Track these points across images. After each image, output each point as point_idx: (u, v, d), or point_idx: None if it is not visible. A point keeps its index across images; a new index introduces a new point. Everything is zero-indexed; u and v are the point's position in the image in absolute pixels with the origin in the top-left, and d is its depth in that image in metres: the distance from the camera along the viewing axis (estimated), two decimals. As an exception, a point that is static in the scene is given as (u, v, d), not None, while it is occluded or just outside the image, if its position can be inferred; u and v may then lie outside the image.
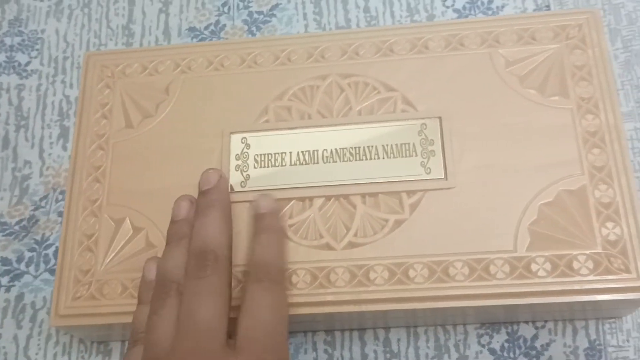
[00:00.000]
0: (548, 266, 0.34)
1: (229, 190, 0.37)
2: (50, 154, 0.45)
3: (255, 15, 0.48)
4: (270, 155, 0.38)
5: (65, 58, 0.48)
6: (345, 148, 0.38)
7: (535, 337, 0.38)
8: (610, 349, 0.37)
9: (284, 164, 0.38)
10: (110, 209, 0.38)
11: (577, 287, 0.34)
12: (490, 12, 0.46)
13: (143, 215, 0.38)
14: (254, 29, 0.47)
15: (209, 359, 0.30)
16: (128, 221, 0.38)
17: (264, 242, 0.35)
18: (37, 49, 0.48)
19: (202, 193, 0.36)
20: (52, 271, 0.42)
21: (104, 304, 0.36)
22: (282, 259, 0.35)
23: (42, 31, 0.49)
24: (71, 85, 0.47)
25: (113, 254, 0.37)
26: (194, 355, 0.30)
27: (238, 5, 0.48)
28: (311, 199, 0.37)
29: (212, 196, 0.36)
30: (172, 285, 0.33)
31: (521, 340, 0.38)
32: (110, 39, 0.48)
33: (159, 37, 0.48)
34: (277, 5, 0.48)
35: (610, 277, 0.34)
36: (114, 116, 0.40)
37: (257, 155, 0.38)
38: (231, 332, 0.32)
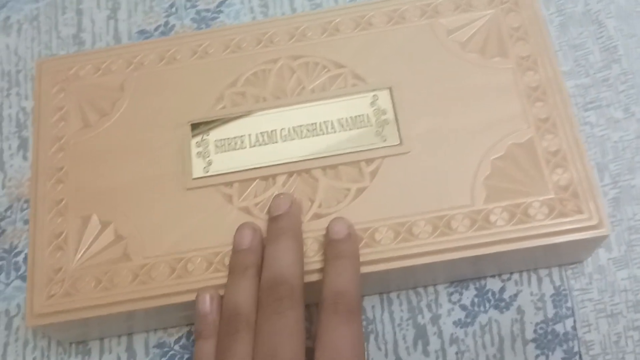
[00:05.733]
0: (506, 215, 0.36)
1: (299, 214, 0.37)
2: (11, 166, 0.45)
3: (204, 13, 0.49)
4: (230, 140, 0.39)
5: (18, 71, 0.48)
6: (302, 125, 0.39)
7: (502, 289, 0.39)
8: (575, 293, 0.39)
9: (244, 146, 0.39)
10: (76, 207, 0.38)
11: (535, 232, 0.35)
12: (429, -10, 0.47)
13: (109, 209, 0.38)
14: (203, 26, 0.48)
15: None
16: (95, 217, 0.38)
17: (339, 269, 0.34)
18: (-12, 65, 0.48)
19: (273, 219, 0.36)
20: (23, 278, 0.42)
21: (79, 299, 0.36)
22: (359, 287, 0.33)
23: (-7, 47, 0.49)
24: (26, 97, 0.47)
25: (83, 250, 0.37)
26: None
27: (185, 4, 0.49)
28: (274, 176, 0.38)
29: (283, 223, 0.35)
30: (241, 319, 0.32)
31: (490, 294, 0.39)
32: (62, 49, 0.49)
33: (109, 42, 0.48)
34: (223, 1, 0.49)
35: (565, 219, 0.36)
36: (71, 118, 0.41)
37: (217, 140, 0.39)
38: None
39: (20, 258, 0.42)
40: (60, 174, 0.39)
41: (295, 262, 0.34)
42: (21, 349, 0.40)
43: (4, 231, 0.43)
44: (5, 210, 0.44)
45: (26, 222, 0.43)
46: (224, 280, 0.36)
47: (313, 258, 0.36)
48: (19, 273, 0.42)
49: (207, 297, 0.35)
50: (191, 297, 0.36)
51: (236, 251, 0.36)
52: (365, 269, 0.35)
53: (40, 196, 0.39)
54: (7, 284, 0.42)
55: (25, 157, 0.45)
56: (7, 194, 0.44)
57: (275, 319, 0.32)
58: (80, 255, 0.37)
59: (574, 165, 0.37)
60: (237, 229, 0.36)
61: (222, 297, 0.35)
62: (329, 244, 0.35)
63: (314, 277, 0.36)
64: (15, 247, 0.42)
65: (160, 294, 0.36)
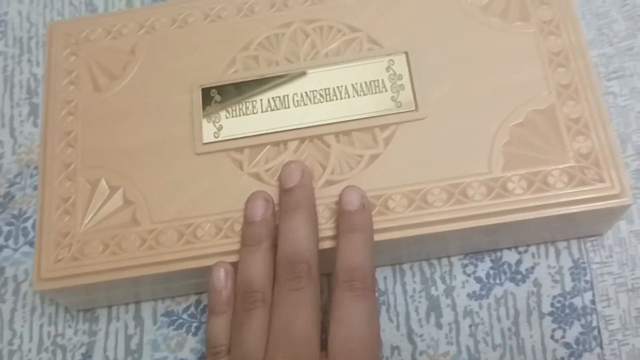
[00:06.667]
0: (524, 184, 0.35)
1: None
2: (21, 132, 0.45)
3: (217, -20, 0.48)
4: (241, 104, 0.38)
5: (30, 38, 0.47)
6: (315, 90, 0.38)
7: (519, 262, 0.38)
8: (594, 266, 0.38)
9: (255, 111, 0.38)
10: (85, 172, 0.38)
11: (554, 200, 0.34)
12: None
13: (118, 173, 0.37)
14: (216, -7, 0.47)
15: None
16: (104, 181, 0.37)
17: (355, 243, 0.33)
18: (1, 32, 0.48)
19: (286, 191, 0.34)
20: (31, 244, 0.41)
21: (87, 264, 0.36)
22: (373, 262, 0.33)
23: (5, 14, 0.48)
24: (38, 64, 0.46)
25: (92, 215, 0.37)
26: None
27: (198, -29, 0.48)
28: (285, 142, 0.37)
29: (297, 195, 0.34)
30: (257, 295, 0.32)
31: (505, 266, 0.38)
32: (74, 16, 0.48)
33: (122, 9, 0.47)
34: (237, -32, 0.48)
35: (585, 188, 0.34)
36: (81, 81, 0.40)
37: (228, 105, 0.38)
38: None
39: (29, 224, 0.42)
40: (69, 138, 0.39)
41: (311, 237, 0.33)
42: (29, 315, 0.40)
43: (13, 197, 0.43)
44: (15, 177, 0.43)
45: (35, 188, 0.43)
46: (233, 247, 0.35)
47: (325, 225, 0.35)
48: (28, 239, 0.41)
49: (222, 272, 0.34)
50: (200, 263, 0.35)
51: (249, 223, 0.35)
52: (377, 237, 0.34)
53: (49, 160, 0.38)
54: (16, 250, 0.41)
55: (35, 124, 0.45)
56: (17, 160, 0.44)
57: (292, 295, 0.32)
58: (88, 220, 0.37)
59: (595, 132, 0.35)
60: (249, 199, 0.35)
61: (235, 271, 0.34)
62: (341, 215, 0.34)
63: (327, 245, 0.35)
64: (24, 213, 0.42)
65: (169, 259, 0.35)
